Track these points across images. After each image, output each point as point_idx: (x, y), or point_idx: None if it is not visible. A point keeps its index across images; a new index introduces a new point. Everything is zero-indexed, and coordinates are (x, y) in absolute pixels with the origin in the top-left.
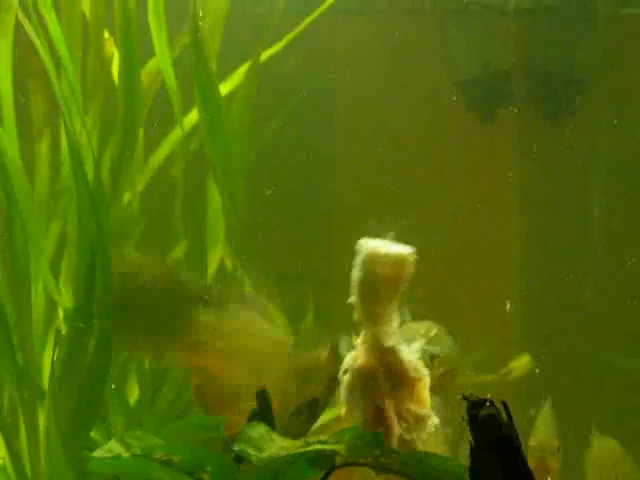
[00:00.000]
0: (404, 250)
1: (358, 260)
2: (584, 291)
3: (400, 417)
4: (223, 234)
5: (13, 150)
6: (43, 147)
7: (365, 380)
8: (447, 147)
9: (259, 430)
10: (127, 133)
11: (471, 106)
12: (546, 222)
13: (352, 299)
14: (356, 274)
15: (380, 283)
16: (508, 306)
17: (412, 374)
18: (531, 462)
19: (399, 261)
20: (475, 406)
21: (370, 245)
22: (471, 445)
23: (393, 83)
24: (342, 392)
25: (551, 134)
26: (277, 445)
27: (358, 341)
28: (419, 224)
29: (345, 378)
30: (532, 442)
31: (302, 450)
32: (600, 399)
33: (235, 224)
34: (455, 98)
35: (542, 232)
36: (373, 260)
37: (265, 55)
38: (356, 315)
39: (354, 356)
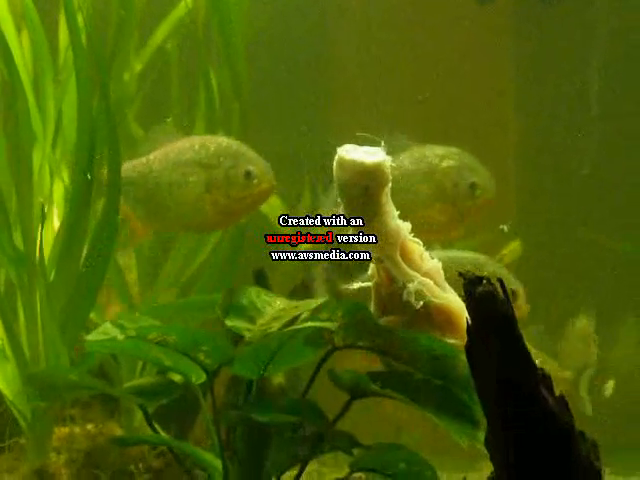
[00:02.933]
0: (373, 157)
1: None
2: (581, 167)
3: None
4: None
5: None
6: None
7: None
8: (447, 27)
9: (249, 296)
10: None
11: None
12: (542, 98)
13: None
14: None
15: (350, 191)
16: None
17: (405, 298)
18: None
19: (365, 168)
20: (472, 283)
21: (340, 152)
22: (468, 323)
23: None
24: None
25: (548, 14)
26: (269, 314)
27: None
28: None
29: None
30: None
31: (298, 327)
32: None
33: (236, 105)
34: None
35: (538, 108)
36: (340, 167)
37: None
38: None
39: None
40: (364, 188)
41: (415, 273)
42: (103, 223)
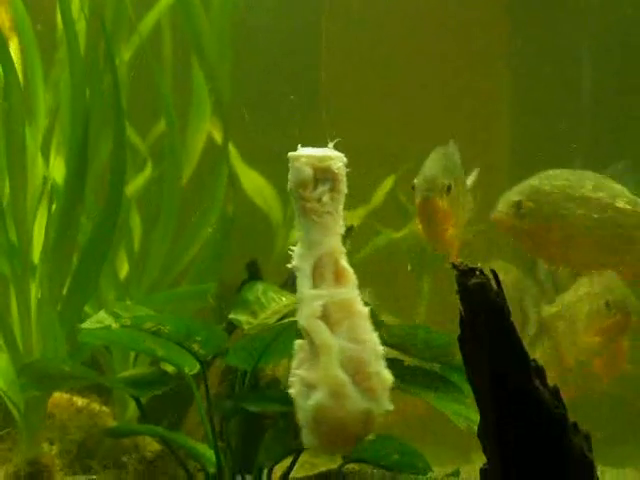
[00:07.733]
0: (320, 151)
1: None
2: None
3: None
4: (209, 110)
5: None
6: None
7: None
8: (440, 20)
9: (255, 291)
10: None
11: None
12: (535, 91)
13: None
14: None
15: (299, 188)
16: None
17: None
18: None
19: (311, 160)
20: (465, 274)
21: (291, 153)
22: (460, 314)
23: None
24: None
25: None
26: (271, 308)
27: None
28: (416, 95)
29: None
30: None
31: (293, 319)
32: None
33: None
34: None
35: (532, 105)
36: (291, 166)
37: None
38: None
39: None
40: (314, 182)
41: (321, 292)
42: (105, 212)
